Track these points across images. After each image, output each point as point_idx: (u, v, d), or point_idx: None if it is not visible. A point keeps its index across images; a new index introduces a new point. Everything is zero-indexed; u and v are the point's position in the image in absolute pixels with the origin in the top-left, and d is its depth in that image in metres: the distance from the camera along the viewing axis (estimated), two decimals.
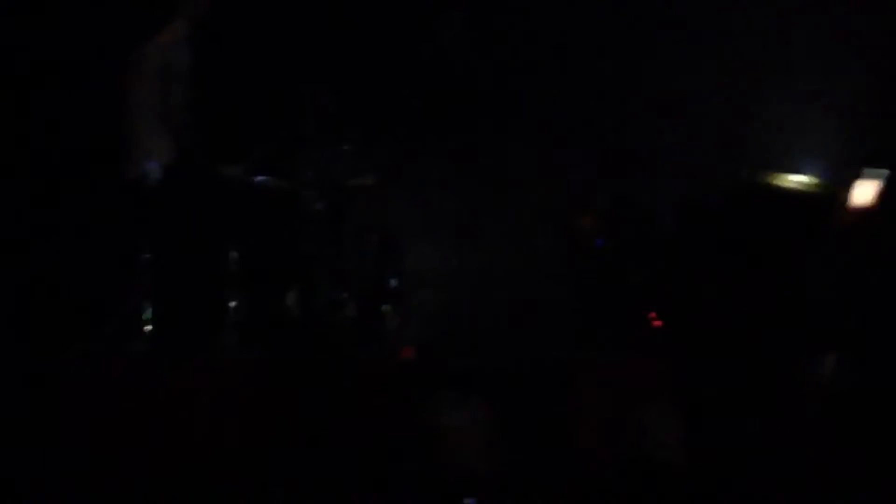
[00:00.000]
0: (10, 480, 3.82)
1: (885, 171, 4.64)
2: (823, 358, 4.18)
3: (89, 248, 5.26)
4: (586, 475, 3.76)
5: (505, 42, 5.75)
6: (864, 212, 4.67)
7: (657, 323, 4.74)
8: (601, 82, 5.60)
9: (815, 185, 4.89)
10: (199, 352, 4.66)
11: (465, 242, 5.60)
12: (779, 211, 4.75)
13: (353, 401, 4.15)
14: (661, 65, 5.52)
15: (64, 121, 5.45)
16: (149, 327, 4.76)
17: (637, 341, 4.86)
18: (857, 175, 4.76)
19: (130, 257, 4.93)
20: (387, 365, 4.49)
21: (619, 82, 5.60)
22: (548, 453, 3.90)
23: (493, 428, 3.56)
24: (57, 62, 5.47)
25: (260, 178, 5.07)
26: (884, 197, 4.67)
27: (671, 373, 4.07)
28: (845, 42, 5.06)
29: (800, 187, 4.87)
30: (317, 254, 5.09)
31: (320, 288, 5.08)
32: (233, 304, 4.97)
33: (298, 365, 4.30)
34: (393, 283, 5.26)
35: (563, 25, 5.63)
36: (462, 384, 3.82)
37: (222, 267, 5.00)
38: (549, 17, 5.60)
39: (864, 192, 4.69)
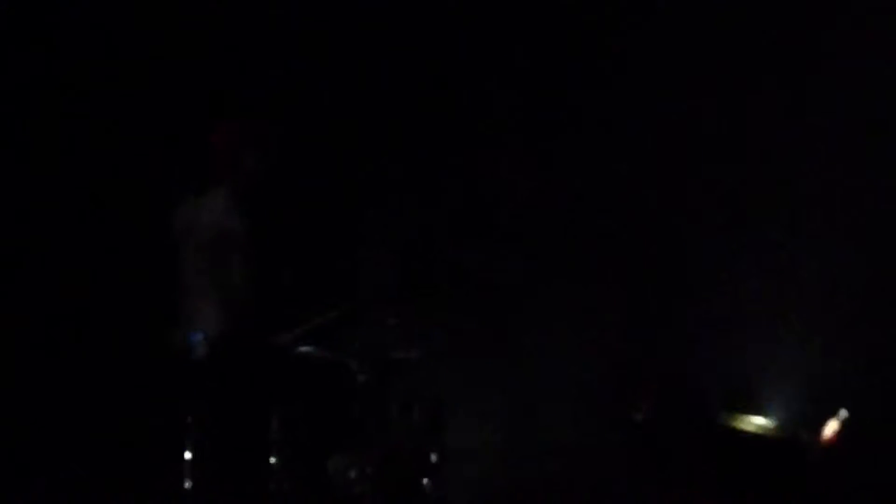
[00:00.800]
0: None
1: (845, 412, 4.92)
2: None
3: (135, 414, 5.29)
4: None
5: None
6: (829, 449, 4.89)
7: None
8: None
9: (778, 427, 5.02)
10: None
11: (510, 417, 5.59)
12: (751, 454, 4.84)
13: None
14: None
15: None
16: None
17: None
18: (820, 416, 4.95)
19: (177, 425, 4.97)
20: None
21: None
22: None
23: None
24: None
25: (306, 348, 5.09)
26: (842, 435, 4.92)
27: None
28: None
29: (766, 430, 4.98)
30: (361, 426, 5.09)
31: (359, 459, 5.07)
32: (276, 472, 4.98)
33: None
34: (434, 456, 5.23)
35: None
36: None
37: (266, 437, 5.02)
38: None
39: (830, 432, 4.94)
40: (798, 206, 5.34)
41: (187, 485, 4.92)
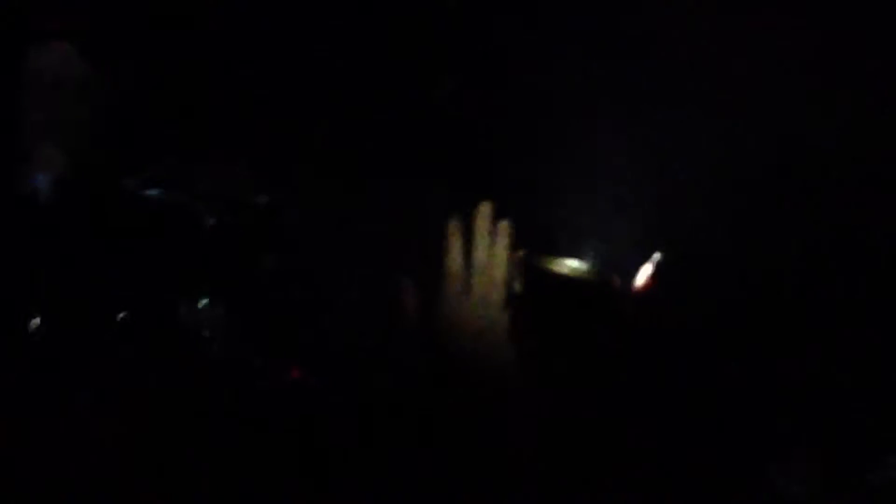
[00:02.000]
0: None
1: (659, 255, 5.12)
2: None
3: None
4: None
5: None
6: (643, 293, 5.08)
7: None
8: None
9: (592, 270, 5.19)
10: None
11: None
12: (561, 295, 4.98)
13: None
14: None
15: None
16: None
17: None
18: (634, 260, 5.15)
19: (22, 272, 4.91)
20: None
21: None
22: None
23: None
24: None
25: (152, 191, 5.05)
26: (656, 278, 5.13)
27: None
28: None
29: (579, 273, 5.13)
30: (210, 270, 5.09)
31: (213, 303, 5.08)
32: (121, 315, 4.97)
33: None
34: (285, 301, 5.26)
35: None
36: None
37: (112, 279, 4.98)
38: None
39: (643, 276, 5.14)
40: None
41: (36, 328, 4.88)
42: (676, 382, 4.55)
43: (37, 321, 4.84)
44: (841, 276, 5.06)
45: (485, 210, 1.91)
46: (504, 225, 1.93)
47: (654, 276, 5.01)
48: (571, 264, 5.06)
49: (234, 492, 3.38)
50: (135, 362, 4.69)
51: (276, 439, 3.81)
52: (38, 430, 3.28)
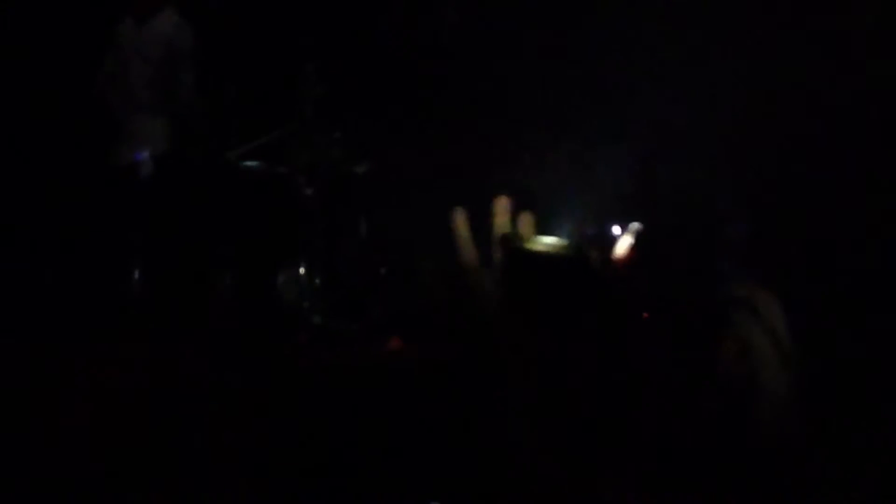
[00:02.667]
0: None
1: (637, 225, 5.06)
2: None
3: (82, 238, 5.28)
4: None
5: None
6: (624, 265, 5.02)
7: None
8: None
9: (568, 245, 5.07)
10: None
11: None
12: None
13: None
14: None
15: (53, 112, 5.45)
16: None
17: None
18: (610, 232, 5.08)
19: (124, 244, 5.00)
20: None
21: None
22: None
23: None
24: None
25: (252, 164, 5.10)
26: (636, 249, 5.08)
27: None
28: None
29: (555, 248, 5.03)
30: (308, 240, 5.13)
31: (311, 273, 5.12)
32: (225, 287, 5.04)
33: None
34: (382, 270, 5.28)
35: None
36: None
37: (214, 252, 5.05)
38: None
39: (623, 248, 5.09)
40: None
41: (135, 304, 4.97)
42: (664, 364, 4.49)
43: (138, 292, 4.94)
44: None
45: (503, 203, 1.91)
46: (527, 217, 1.93)
47: (634, 248, 4.96)
48: (549, 241, 5.02)
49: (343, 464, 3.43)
50: (236, 333, 4.76)
51: (380, 416, 3.83)
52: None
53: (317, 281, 5.06)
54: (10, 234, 5.15)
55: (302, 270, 5.08)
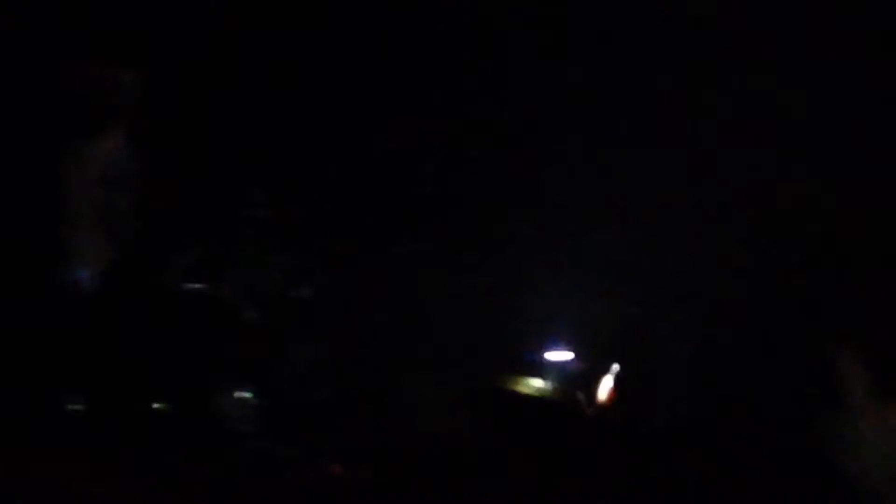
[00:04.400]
0: None
1: (617, 367, 5.16)
2: None
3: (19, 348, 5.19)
4: None
5: None
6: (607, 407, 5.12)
7: None
8: None
9: (554, 388, 5.18)
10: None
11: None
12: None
13: None
14: None
15: None
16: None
17: None
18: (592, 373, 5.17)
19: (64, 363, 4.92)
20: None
21: None
22: None
23: None
24: None
25: (192, 285, 5.07)
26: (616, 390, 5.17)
27: None
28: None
29: (542, 392, 5.13)
30: (250, 363, 5.09)
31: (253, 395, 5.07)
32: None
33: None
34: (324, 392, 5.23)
35: None
36: None
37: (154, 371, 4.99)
38: None
39: (605, 390, 5.18)
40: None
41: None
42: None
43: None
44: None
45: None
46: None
47: (616, 389, 5.01)
48: (535, 384, 5.06)
49: None
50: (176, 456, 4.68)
51: None
52: None
53: (258, 402, 5.01)
54: None
55: (244, 393, 5.03)
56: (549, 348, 5.25)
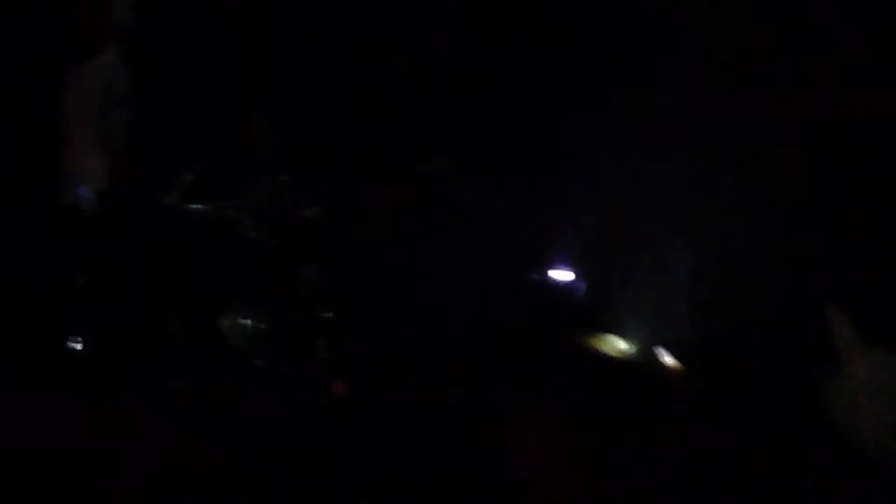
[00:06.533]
0: None
1: None
2: None
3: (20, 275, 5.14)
4: None
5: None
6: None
7: None
8: None
9: (640, 351, 5.12)
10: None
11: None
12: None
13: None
14: None
15: None
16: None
17: None
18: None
19: (64, 284, 4.88)
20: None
21: None
22: None
23: None
24: None
25: (197, 205, 5.02)
26: None
27: None
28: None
29: (626, 354, 5.06)
30: (254, 283, 5.06)
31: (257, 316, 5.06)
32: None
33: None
34: (328, 315, 5.20)
35: None
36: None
37: (156, 293, 4.94)
38: None
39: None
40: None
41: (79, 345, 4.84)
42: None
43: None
44: None
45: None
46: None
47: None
48: (619, 345, 5.01)
49: None
50: (178, 377, 4.66)
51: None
52: None
53: (262, 324, 4.99)
54: None
55: (247, 313, 5.02)
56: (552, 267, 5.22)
